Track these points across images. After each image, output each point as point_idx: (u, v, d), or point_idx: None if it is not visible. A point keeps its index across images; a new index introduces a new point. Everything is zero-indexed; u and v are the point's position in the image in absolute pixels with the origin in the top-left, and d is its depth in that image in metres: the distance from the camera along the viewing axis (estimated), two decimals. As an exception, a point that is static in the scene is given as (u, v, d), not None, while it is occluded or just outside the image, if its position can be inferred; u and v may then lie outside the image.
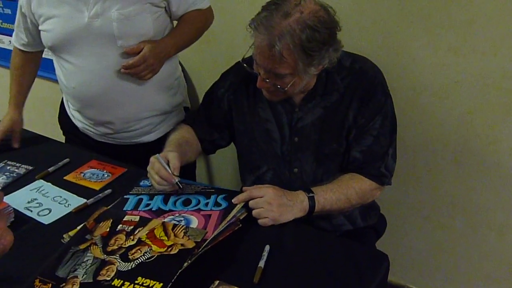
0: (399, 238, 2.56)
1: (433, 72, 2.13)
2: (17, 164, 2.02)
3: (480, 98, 2.07)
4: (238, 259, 1.49)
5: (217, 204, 1.64)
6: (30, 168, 2.00)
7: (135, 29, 1.94)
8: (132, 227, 1.51)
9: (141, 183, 1.80)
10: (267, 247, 1.50)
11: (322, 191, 1.72)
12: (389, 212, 2.22)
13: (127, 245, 1.44)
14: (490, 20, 1.93)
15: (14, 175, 1.95)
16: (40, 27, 2.02)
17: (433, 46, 2.08)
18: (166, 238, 1.43)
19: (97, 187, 1.87)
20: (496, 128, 2.10)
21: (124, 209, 1.65)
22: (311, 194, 1.70)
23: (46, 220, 1.70)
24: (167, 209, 1.63)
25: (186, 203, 1.66)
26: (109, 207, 1.66)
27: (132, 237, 1.47)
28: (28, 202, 1.79)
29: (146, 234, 1.47)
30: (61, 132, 2.42)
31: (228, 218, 1.59)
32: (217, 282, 1.36)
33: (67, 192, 1.85)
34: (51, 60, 2.12)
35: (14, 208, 1.70)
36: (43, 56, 2.30)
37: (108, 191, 1.82)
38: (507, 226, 2.26)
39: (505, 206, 2.22)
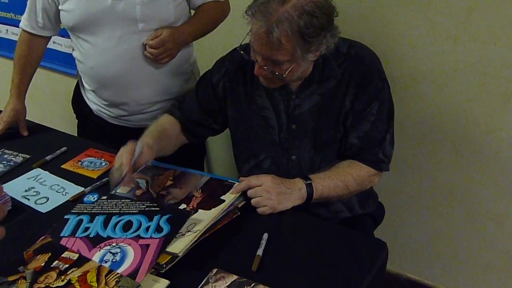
0: (398, 227, 2.56)
1: (432, 60, 2.12)
2: (15, 153, 2.01)
3: (480, 87, 2.07)
4: (236, 247, 1.49)
5: (158, 229, 1.49)
6: (28, 156, 1.99)
7: (158, 13, 1.97)
8: (67, 265, 1.40)
9: (85, 199, 1.71)
10: (265, 235, 1.49)
11: (320, 178, 1.72)
12: (388, 201, 2.21)
13: (54, 286, 1.34)
14: (489, 8, 1.93)
15: (12, 163, 1.94)
16: (60, 7, 2.03)
17: (432, 34, 2.08)
18: (96, 285, 1.33)
19: (94, 175, 1.86)
20: (496, 117, 2.09)
21: (61, 234, 1.53)
22: (309, 182, 1.69)
23: (44, 208, 1.69)
24: (105, 236, 1.51)
25: (126, 227, 1.51)
26: (49, 229, 1.56)
27: (63, 277, 1.36)
28: (26, 191, 1.78)
29: (78, 277, 1.36)
30: (52, 122, 2.40)
31: (224, 207, 1.58)
32: (215, 270, 1.36)
33: (64, 180, 1.84)
34: (54, 50, 2.11)
35: (11, 197, 1.68)
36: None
37: (106, 179, 1.81)
38: (506, 216, 2.26)
39: (504, 195, 2.22)
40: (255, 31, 1.60)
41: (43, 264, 1.41)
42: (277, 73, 1.66)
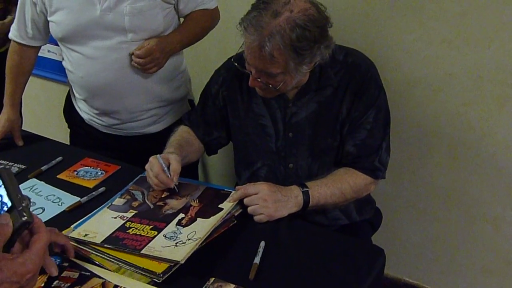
0: (395, 231, 2.56)
1: (427, 65, 2.12)
2: (10, 163, 2.00)
3: (475, 91, 2.07)
4: (233, 256, 1.49)
5: None
6: (23, 167, 1.98)
7: (146, 23, 1.98)
8: (69, 284, 1.37)
9: None
10: (262, 243, 1.49)
11: (317, 186, 1.72)
12: (385, 206, 2.22)
13: None
14: (483, 12, 1.93)
15: (7, 174, 1.94)
16: (49, 18, 2.04)
17: (426, 39, 2.08)
18: None
19: (90, 185, 1.85)
20: (491, 121, 2.09)
21: None
22: (305, 189, 1.69)
23: (40, 219, 1.68)
24: None
25: None
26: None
27: None
28: (21, 202, 1.77)
29: None
30: (48, 132, 2.40)
31: (223, 215, 1.58)
32: (212, 279, 1.36)
33: (60, 190, 1.83)
34: (48, 59, 2.11)
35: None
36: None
37: (102, 189, 1.81)
38: (503, 219, 2.26)
39: (500, 198, 2.22)
40: (248, 45, 1.62)
41: (42, 285, 1.37)
42: (270, 85, 1.67)
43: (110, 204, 1.70)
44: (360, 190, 1.81)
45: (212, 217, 1.57)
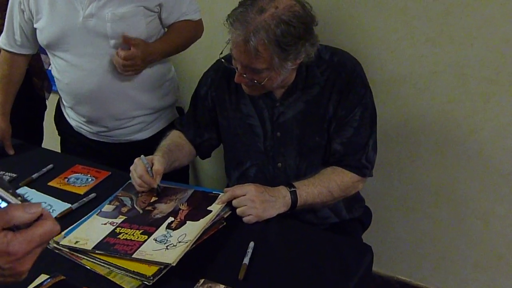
0: (386, 230, 2.58)
1: (411, 63, 2.15)
2: (1, 172, 2.01)
3: (459, 88, 2.09)
4: (223, 257, 1.50)
5: None
6: (14, 175, 1.99)
7: (128, 30, 1.98)
8: None
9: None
10: (252, 244, 1.51)
11: (304, 185, 1.73)
12: (374, 204, 2.23)
13: None
14: (465, 10, 1.96)
15: (-2, 183, 1.94)
16: (35, 25, 2.05)
17: (410, 37, 2.10)
18: None
19: (81, 191, 1.87)
20: (476, 117, 2.12)
21: None
22: (293, 189, 1.71)
23: (31, 226, 1.69)
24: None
25: None
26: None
27: None
28: (13, 210, 1.78)
29: None
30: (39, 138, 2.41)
31: (212, 217, 1.60)
32: (202, 281, 1.37)
33: (51, 197, 1.84)
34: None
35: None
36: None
37: (93, 195, 1.82)
38: (492, 214, 2.28)
39: (489, 194, 2.24)
40: (233, 40, 1.64)
41: None
42: (255, 81, 1.69)
43: (99, 211, 1.71)
44: (347, 189, 1.82)
45: (201, 219, 1.59)
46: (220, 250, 1.52)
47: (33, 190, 1.89)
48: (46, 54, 2.17)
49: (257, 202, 1.63)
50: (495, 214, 2.27)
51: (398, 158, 2.38)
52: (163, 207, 1.69)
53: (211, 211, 1.63)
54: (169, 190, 1.78)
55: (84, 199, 1.80)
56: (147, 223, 1.61)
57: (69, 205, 1.78)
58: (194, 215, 1.62)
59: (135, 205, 1.72)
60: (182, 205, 1.69)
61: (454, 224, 2.39)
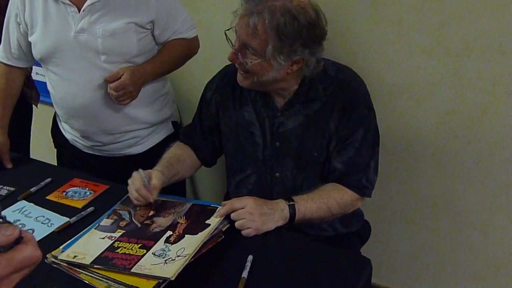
0: (385, 242, 2.57)
1: (409, 75, 2.15)
2: (-1, 186, 2.02)
3: (457, 99, 2.10)
4: (221, 271, 1.49)
5: None
6: (12, 189, 1.98)
7: (119, 46, 1.98)
8: None
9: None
10: (250, 257, 1.50)
11: (303, 200, 1.73)
12: (373, 217, 2.23)
13: None
14: (461, 22, 1.96)
15: (-4, 197, 1.95)
16: (29, 38, 2.05)
17: (407, 49, 2.11)
18: None
19: (79, 205, 1.86)
20: (474, 128, 2.12)
21: None
22: (291, 203, 1.71)
23: (29, 241, 1.69)
24: None
25: None
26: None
27: None
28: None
29: None
30: (38, 153, 2.40)
31: (211, 230, 1.59)
32: (201, 295, 1.37)
33: (49, 211, 1.84)
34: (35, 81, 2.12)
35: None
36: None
37: (91, 208, 1.82)
38: (491, 225, 2.28)
39: (487, 205, 2.24)
40: (240, 13, 1.67)
41: None
42: (246, 62, 1.70)
43: (97, 225, 1.70)
44: (346, 206, 1.82)
45: (200, 233, 1.59)
46: (218, 264, 1.52)
47: (31, 204, 1.89)
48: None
49: (256, 215, 1.63)
50: (494, 224, 2.27)
51: (396, 170, 2.38)
52: (162, 221, 1.69)
53: (209, 224, 1.63)
54: (167, 204, 1.78)
55: (83, 213, 1.80)
56: (146, 237, 1.61)
57: (68, 219, 1.77)
58: (192, 229, 1.62)
59: (133, 219, 1.72)
60: (181, 218, 1.69)
61: (453, 235, 2.39)
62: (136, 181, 1.72)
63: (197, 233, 1.59)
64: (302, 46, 1.66)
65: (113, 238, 1.62)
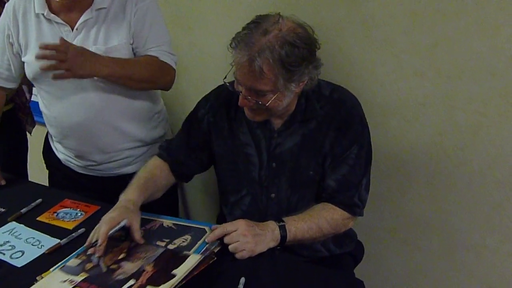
0: (378, 262, 2.56)
1: (400, 96, 2.15)
2: (-11, 207, 2.00)
3: (448, 120, 2.10)
4: (213, 293, 1.48)
5: None
6: (2, 210, 1.97)
7: None
8: None
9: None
10: (243, 280, 1.49)
11: (294, 220, 1.73)
12: (366, 237, 2.23)
13: None
14: (453, 43, 1.97)
15: (-14, 218, 1.93)
16: (23, 58, 2.06)
17: (399, 71, 2.12)
18: None
19: (70, 226, 1.85)
20: (466, 149, 2.12)
21: None
22: (281, 223, 1.70)
23: (19, 263, 1.67)
24: None
25: None
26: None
27: None
28: (1, 245, 1.76)
29: None
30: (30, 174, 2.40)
31: (177, 282, 1.50)
32: (193, 318, 1.36)
33: (40, 233, 1.83)
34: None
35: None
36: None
37: (82, 230, 1.81)
38: (484, 246, 2.27)
39: (479, 226, 2.24)
40: (237, 61, 1.65)
41: None
42: (260, 103, 1.69)
43: (63, 265, 1.63)
44: (337, 226, 1.82)
45: (162, 286, 1.49)
46: (210, 286, 1.51)
47: (22, 225, 1.88)
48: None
49: (249, 236, 1.62)
50: (486, 245, 2.27)
51: (388, 190, 2.37)
52: (129, 266, 1.61)
53: (174, 275, 1.53)
54: (140, 247, 1.70)
55: (73, 234, 1.79)
56: (106, 285, 1.53)
57: (58, 240, 1.77)
58: (156, 279, 1.52)
59: (100, 262, 1.63)
60: (148, 265, 1.60)
61: (446, 256, 2.38)
62: (101, 231, 1.65)
63: (159, 285, 1.49)
64: (308, 66, 1.67)
65: (73, 282, 1.54)
